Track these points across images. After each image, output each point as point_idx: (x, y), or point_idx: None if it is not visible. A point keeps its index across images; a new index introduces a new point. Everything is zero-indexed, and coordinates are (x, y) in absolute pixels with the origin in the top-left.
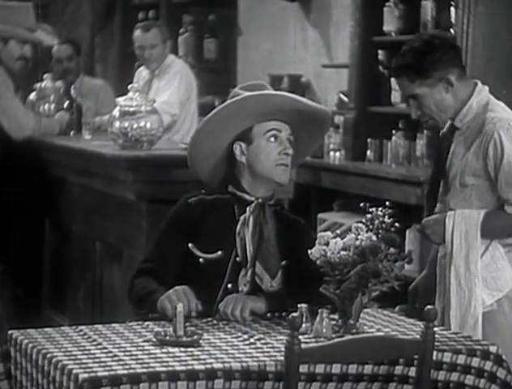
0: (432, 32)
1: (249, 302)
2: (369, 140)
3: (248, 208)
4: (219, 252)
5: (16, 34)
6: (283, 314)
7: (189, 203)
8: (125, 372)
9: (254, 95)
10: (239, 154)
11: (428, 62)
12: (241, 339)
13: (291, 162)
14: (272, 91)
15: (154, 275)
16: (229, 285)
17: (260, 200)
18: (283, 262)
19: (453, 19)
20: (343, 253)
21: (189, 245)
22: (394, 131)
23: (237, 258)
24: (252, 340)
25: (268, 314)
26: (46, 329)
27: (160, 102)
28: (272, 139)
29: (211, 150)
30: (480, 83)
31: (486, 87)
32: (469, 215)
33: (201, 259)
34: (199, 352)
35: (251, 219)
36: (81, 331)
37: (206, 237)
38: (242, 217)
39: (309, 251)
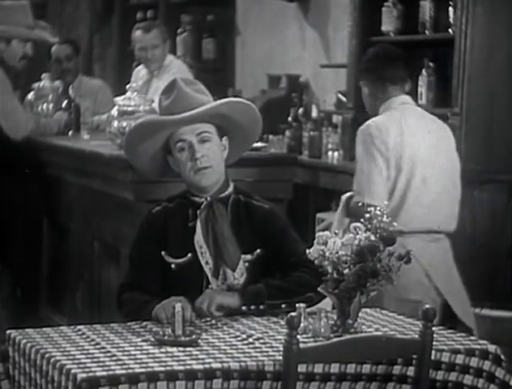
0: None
1: (217, 297)
2: None
3: (198, 211)
4: (189, 255)
5: (18, 33)
6: (261, 307)
7: (153, 213)
8: (124, 372)
9: (147, 120)
10: (172, 165)
11: (362, 63)
12: (239, 338)
13: (212, 161)
14: (161, 118)
15: (139, 290)
16: (209, 286)
17: (209, 199)
18: (258, 251)
19: (451, 19)
20: (341, 252)
21: (162, 252)
22: None
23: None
24: (250, 340)
25: (243, 308)
26: (44, 329)
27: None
28: (181, 150)
29: (148, 164)
30: (398, 98)
31: (403, 103)
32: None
33: (173, 265)
34: (198, 352)
35: (198, 222)
36: (79, 330)
37: (174, 243)
38: (195, 221)
39: (307, 251)
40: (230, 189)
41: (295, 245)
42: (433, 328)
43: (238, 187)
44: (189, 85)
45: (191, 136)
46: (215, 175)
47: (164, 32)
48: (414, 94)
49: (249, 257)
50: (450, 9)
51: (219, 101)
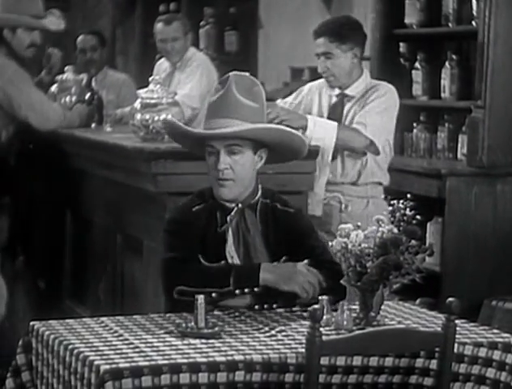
0: (346, 15)
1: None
2: None
3: (228, 218)
4: (223, 262)
5: (21, 22)
6: (274, 306)
7: (194, 211)
8: (147, 363)
9: (175, 126)
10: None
11: (347, 31)
12: (262, 331)
13: (236, 175)
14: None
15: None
16: (237, 291)
17: (240, 206)
18: (284, 258)
19: (474, 12)
20: (364, 245)
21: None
22: (415, 124)
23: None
24: (273, 332)
25: (256, 307)
26: (68, 320)
27: (181, 95)
28: (209, 154)
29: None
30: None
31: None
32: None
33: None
34: (220, 344)
35: (230, 231)
36: (102, 322)
37: (207, 248)
38: (225, 226)
39: (330, 243)
40: (259, 194)
41: (318, 249)
42: (456, 321)
43: (265, 190)
44: (243, 85)
45: (220, 145)
46: (237, 188)
47: (185, 25)
48: (437, 86)
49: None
50: (473, 1)
51: (257, 126)
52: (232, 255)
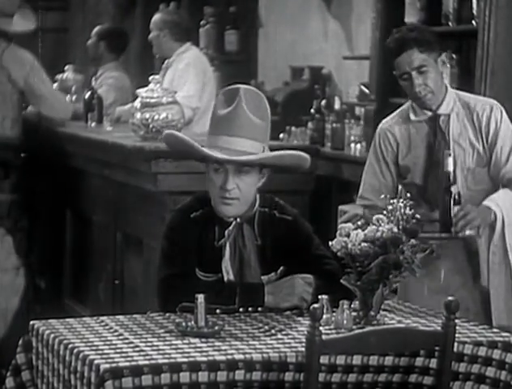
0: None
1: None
2: None
3: (226, 232)
4: (220, 275)
5: None
6: (259, 309)
7: (192, 218)
8: (147, 362)
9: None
10: (204, 170)
11: (431, 36)
12: (262, 330)
13: (242, 194)
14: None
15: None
16: (241, 309)
17: (239, 220)
18: (282, 268)
19: (475, 11)
20: (364, 244)
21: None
22: None
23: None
24: (273, 331)
25: (241, 309)
26: (68, 319)
27: (180, 97)
28: (215, 170)
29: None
30: None
31: None
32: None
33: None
34: (220, 343)
35: (227, 246)
36: (102, 321)
37: (203, 259)
38: (223, 241)
39: (330, 243)
40: (257, 204)
41: (319, 252)
42: (456, 320)
43: (263, 198)
44: (252, 101)
45: (230, 166)
46: (241, 207)
47: (164, 22)
48: None
49: (273, 276)
50: (474, 0)
51: (274, 154)
52: (228, 271)
